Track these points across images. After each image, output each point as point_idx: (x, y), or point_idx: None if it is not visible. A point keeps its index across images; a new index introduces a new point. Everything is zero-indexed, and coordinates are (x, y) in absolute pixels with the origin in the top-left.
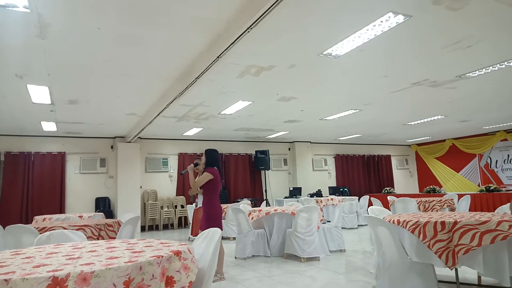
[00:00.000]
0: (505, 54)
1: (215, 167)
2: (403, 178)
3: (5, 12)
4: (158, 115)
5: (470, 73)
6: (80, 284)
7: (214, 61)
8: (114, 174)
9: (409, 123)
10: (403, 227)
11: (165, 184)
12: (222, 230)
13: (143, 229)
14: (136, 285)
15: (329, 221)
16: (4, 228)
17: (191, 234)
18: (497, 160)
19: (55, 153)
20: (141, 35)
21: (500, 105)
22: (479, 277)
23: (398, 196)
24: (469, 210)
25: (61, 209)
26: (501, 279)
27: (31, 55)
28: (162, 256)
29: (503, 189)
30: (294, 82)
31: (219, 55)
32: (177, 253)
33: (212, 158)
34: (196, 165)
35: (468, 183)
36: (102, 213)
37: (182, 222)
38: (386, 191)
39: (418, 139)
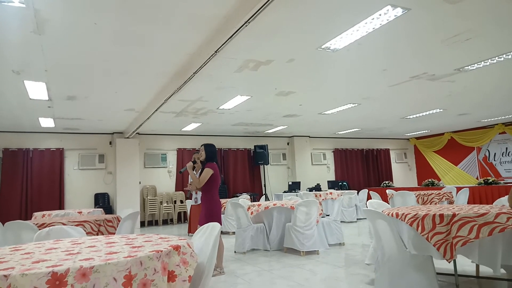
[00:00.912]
0: (503, 47)
1: (214, 162)
2: (402, 172)
3: (0, 7)
4: (156, 110)
5: (469, 67)
6: (79, 280)
7: (212, 56)
8: (113, 170)
9: (408, 117)
10: (402, 220)
11: (164, 180)
12: (221, 225)
13: (142, 224)
14: (140, 281)
15: (328, 215)
16: (3, 224)
17: (189, 232)
18: (495, 153)
19: (53, 149)
20: (138, 31)
21: (499, 98)
22: (477, 269)
23: (397, 189)
24: (468, 203)
25: (60, 205)
26: (494, 267)
27: (28, 51)
28: (162, 251)
29: (501, 181)
30: (293, 77)
31: (217, 50)
32: (176, 248)
33: (211, 152)
34: (194, 162)
35: (466, 176)
36: (101, 209)
37: (182, 217)
38: (385, 184)
39: (417, 132)
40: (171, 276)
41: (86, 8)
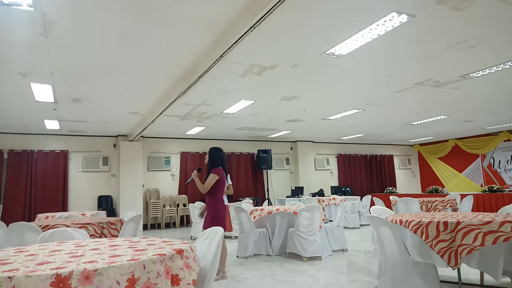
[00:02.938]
0: (509, 54)
1: (219, 166)
2: (406, 178)
3: (9, 11)
4: (160, 113)
5: (474, 73)
6: (83, 282)
7: (217, 60)
8: (116, 172)
9: (412, 123)
10: (406, 227)
11: (167, 183)
12: (226, 230)
13: (145, 227)
14: (143, 285)
15: (331, 221)
16: (7, 225)
17: (226, 230)
18: (500, 161)
19: (58, 151)
20: (144, 34)
21: (504, 105)
22: (481, 278)
23: (400, 196)
24: (472, 211)
25: (63, 207)
26: (495, 275)
27: (35, 53)
28: (165, 255)
29: (506, 189)
30: (297, 82)
31: (222, 54)
32: (180, 252)
33: (216, 157)
34: (199, 170)
35: (470, 184)
36: (104, 211)
37: (184, 221)
38: (388, 191)
39: (421, 139)
40: (176, 280)
41: (92, 10)
